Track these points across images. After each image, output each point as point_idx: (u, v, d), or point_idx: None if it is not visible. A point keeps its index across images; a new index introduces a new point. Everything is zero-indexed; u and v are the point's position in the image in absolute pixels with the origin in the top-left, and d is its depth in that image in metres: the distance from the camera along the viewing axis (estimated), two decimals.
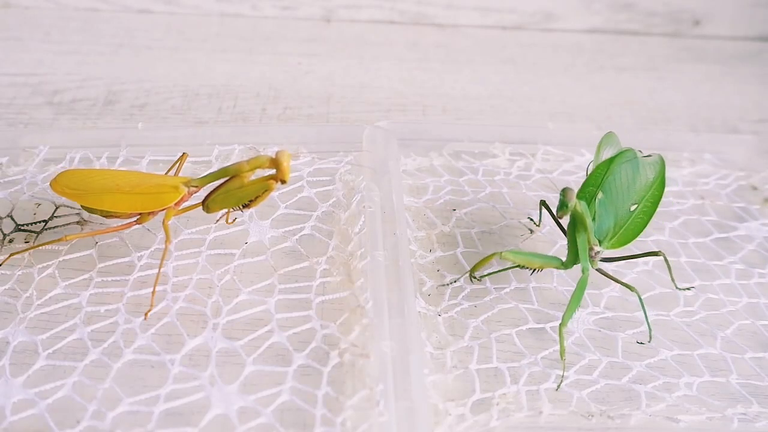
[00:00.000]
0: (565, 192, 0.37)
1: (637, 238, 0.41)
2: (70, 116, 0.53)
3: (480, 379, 0.36)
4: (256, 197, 0.37)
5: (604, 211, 0.40)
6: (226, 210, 0.41)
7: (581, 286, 0.38)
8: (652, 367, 0.38)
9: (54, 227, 0.42)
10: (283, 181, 0.37)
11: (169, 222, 0.38)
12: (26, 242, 0.41)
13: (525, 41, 0.69)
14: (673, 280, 0.42)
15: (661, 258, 0.41)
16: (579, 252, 0.39)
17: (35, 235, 0.41)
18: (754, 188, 0.51)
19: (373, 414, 0.33)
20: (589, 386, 0.36)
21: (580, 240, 0.38)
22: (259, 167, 0.37)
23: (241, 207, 0.38)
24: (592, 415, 0.35)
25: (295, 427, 0.33)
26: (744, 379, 0.38)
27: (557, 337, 0.38)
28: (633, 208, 0.41)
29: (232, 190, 0.37)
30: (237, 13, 0.68)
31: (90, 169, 0.45)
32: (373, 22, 0.69)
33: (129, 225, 0.39)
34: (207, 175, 0.38)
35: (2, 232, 0.41)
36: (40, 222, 0.42)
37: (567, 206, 0.37)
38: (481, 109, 0.58)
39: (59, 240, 0.38)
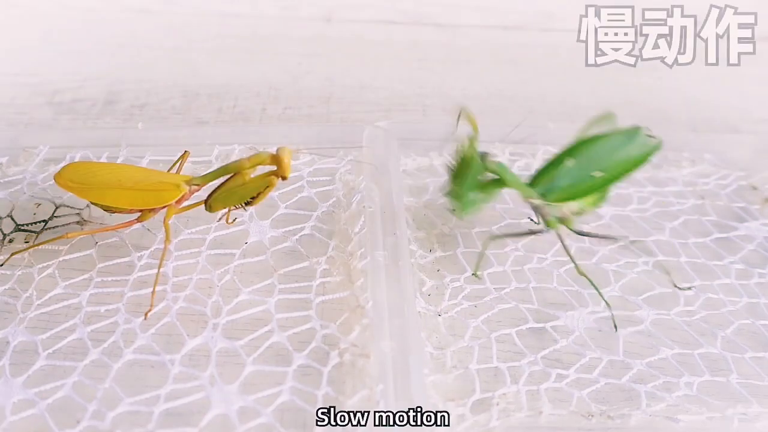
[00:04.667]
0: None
1: (592, 205, 0.42)
2: (70, 116, 0.53)
3: (480, 379, 0.36)
4: (258, 194, 0.37)
5: (565, 174, 0.40)
6: (227, 209, 0.41)
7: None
8: (652, 366, 0.38)
9: (54, 227, 0.42)
10: (284, 177, 0.37)
11: (170, 221, 0.38)
12: (26, 242, 0.41)
13: (525, 41, 0.69)
14: (637, 258, 0.42)
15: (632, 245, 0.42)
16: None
17: (35, 235, 0.41)
18: (754, 188, 0.51)
19: None
20: (589, 386, 0.36)
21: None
22: (260, 164, 0.37)
23: (243, 205, 0.38)
24: (592, 415, 0.35)
25: (295, 427, 0.33)
26: (744, 379, 0.38)
27: (557, 337, 0.38)
28: (596, 174, 0.41)
29: (234, 187, 0.37)
30: (237, 13, 0.68)
31: (94, 162, 0.45)
32: (373, 22, 0.69)
33: (130, 223, 0.39)
34: (208, 173, 0.38)
35: (2, 232, 0.41)
36: (40, 222, 0.42)
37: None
38: (481, 109, 0.58)
39: (60, 238, 0.38)
